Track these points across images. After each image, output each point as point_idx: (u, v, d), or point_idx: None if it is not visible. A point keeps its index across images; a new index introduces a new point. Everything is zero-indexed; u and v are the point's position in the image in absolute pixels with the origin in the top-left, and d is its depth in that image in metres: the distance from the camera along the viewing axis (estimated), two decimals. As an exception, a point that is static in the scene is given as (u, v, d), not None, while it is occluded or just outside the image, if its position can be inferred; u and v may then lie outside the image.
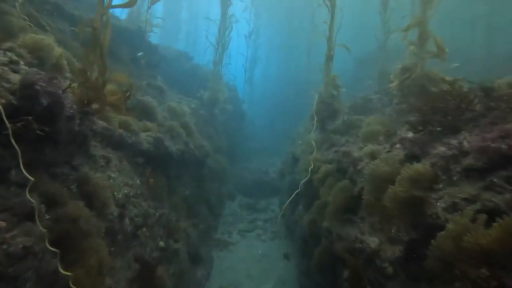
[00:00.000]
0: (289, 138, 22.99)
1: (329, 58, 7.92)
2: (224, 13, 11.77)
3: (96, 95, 3.73)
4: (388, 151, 4.22)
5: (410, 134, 3.92)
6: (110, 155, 4.71)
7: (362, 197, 3.77)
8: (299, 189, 6.64)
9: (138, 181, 5.34)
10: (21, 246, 2.25)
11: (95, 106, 3.86)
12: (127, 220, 4.31)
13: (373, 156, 4.35)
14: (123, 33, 9.05)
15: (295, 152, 10.06)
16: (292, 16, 29.49)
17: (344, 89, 7.91)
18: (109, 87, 4.56)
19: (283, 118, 24.88)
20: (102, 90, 3.78)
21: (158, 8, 24.59)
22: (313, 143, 7.19)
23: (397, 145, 4.10)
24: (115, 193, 4.19)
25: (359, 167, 4.69)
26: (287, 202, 6.76)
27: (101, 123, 4.79)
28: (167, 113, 8.71)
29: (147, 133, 6.45)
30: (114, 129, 5.12)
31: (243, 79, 17.82)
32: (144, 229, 4.89)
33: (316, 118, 8.07)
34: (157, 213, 5.61)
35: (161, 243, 5.42)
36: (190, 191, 8.30)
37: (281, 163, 12.68)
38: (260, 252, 9.18)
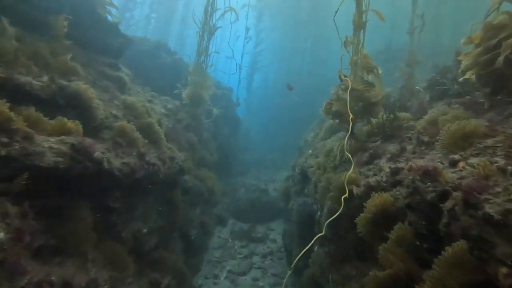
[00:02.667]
0: (292, 148, 20.29)
1: (359, 26, 5.30)
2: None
3: None
4: None
5: None
6: None
7: None
8: (323, 232, 3.88)
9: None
10: None
11: None
12: None
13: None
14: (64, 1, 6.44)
15: (304, 166, 7.33)
16: (297, 18, 27.22)
17: (381, 71, 5.24)
18: None
19: (284, 127, 22.25)
20: None
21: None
22: (347, 153, 4.49)
23: None
24: None
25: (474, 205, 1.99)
26: (301, 254, 3.97)
27: None
28: (122, 111, 6.00)
29: (59, 138, 3.72)
30: None
31: (238, 80, 15.13)
32: None
33: (334, 117, 5.38)
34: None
35: None
36: (152, 225, 5.51)
37: (284, 179, 9.92)
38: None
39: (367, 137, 5.23)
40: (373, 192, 3.19)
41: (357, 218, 3.15)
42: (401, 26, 21.79)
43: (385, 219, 2.89)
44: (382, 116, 5.12)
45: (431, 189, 2.55)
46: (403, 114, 5.23)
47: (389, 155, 4.08)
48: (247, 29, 16.08)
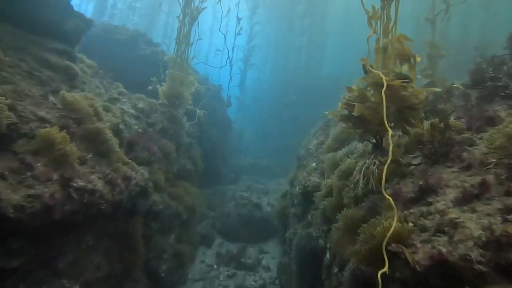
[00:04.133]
0: (289, 152, 18.57)
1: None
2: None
3: None
4: None
5: None
6: None
7: None
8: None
9: None
10: None
11: None
12: None
13: None
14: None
15: (307, 185, 5.73)
16: (292, 11, 25.58)
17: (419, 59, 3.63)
18: None
19: (280, 128, 20.64)
20: None
21: None
22: (374, 181, 2.91)
23: None
24: None
25: None
26: None
27: None
28: (58, 112, 4.31)
29: None
30: None
31: (229, 77, 13.46)
32: None
33: (355, 124, 3.75)
34: None
35: None
36: (91, 277, 3.84)
37: (280, 196, 8.28)
38: None
39: (403, 154, 3.63)
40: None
41: None
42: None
43: None
44: (424, 124, 3.52)
45: None
46: (454, 122, 3.63)
47: (454, 193, 2.48)
48: (239, 19, 14.33)
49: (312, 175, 6.24)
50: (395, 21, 3.81)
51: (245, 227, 9.87)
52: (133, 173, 4.63)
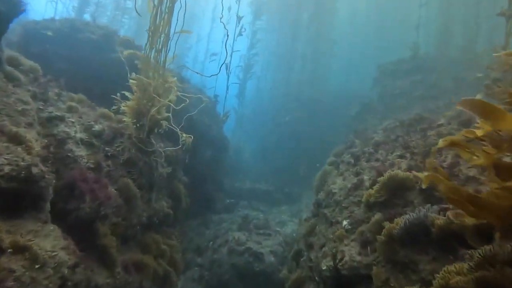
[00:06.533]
0: (291, 175, 16.35)
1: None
2: None
3: None
4: None
5: None
6: None
7: None
8: None
9: None
10: None
11: None
12: None
13: None
14: None
15: (341, 266, 3.57)
16: (297, 18, 23.77)
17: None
18: None
19: (281, 146, 18.46)
20: None
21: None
22: None
23: None
24: None
25: None
26: None
27: None
28: None
29: None
30: None
31: (225, 87, 11.41)
32: None
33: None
34: None
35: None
36: None
37: (290, 257, 6.06)
38: None
39: None
40: None
41: None
42: (429, 28, 18.43)
43: None
44: None
45: None
46: None
47: None
48: (239, 18, 12.25)
49: (345, 243, 4.07)
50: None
51: (241, 282, 7.61)
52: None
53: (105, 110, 6.08)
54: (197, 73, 6.11)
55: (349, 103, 17.93)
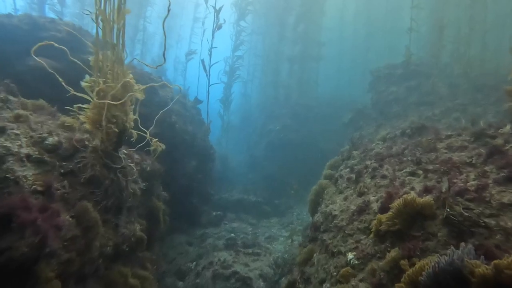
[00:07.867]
0: (280, 184, 15.58)
1: None
2: None
3: None
4: None
5: None
6: None
7: None
8: None
9: None
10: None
11: None
12: None
13: None
14: None
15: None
16: (283, 19, 23.22)
17: None
18: None
19: (269, 154, 17.71)
20: None
21: None
22: None
23: None
24: None
25: None
26: None
27: None
28: None
29: None
30: None
31: (207, 91, 10.59)
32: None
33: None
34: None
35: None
36: None
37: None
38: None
39: None
40: None
41: None
42: (422, 34, 18.15)
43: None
44: None
45: None
46: None
47: None
48: (218, 10, 11.17)
49: (353, 284, 3.33)
50: None
51: (226, 313, 6.75)
52: None
53: (68, 118, 5.20)
54: (147, 65, 5.25)
55: (341, 109, 17.40)
